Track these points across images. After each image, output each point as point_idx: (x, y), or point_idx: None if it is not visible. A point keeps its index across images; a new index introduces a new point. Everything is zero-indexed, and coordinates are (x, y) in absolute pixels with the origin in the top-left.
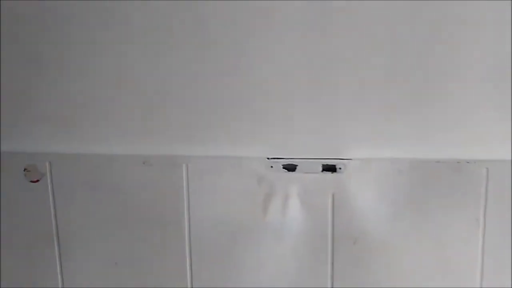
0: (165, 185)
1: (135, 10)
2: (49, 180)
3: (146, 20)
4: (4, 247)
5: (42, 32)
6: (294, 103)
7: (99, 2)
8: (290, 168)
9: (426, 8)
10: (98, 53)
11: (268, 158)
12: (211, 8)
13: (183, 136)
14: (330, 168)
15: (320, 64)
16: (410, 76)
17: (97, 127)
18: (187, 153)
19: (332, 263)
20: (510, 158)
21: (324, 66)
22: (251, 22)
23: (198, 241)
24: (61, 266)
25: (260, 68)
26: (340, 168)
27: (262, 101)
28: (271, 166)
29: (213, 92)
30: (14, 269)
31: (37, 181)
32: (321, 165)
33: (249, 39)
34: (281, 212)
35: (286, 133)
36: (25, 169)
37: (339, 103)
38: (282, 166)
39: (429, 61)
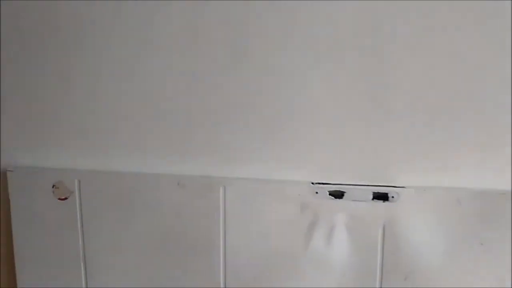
0: (200, 208)
1: (179, 27)
2: (77, 199)
3: (188, 37)
4: (29, 264)
5: (72, 45)
6: (342, 124)
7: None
8: (337, 195)
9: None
10: (131, 70)
11: (312, 183)
12: (254, 27)
13: (221, 157)
14: (381, 197)
15: (372, 85)
16: (468, 97)
17: (129, 144)
18: (225, 175)
19: None
20: None
21: (377, 86)
22: (301, 40)
23: (234, 270)
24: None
25: (307, 86)
26: (392, 197)
27: (308, 121)
28: (316, 192)
29: (255, 111)
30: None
31: (65, 199)
32: (372, 193)
33: (298, 58)
34: (326, 243)
35: (333, 156)
36: (53, 186)
37: (392, 125)
38: (328, 193)
39: (489, 82)
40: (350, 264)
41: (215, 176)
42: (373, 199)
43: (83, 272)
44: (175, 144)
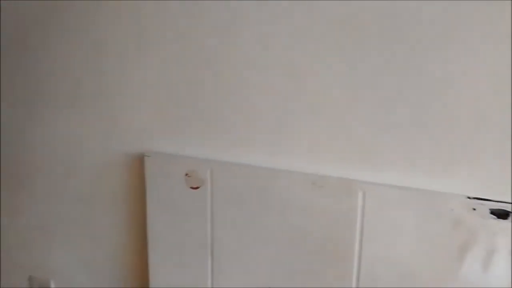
0: (336, 212)
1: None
2: (209, 189)
3: (344, 36)
4: (160, 246)
5: (220, 40)
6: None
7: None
8: (501, 214)
9: None
10: (271, 64)
11: (469, 198)
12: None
13: (362, 158)
14: None
15: None
16: None
17: (266, 138)
18: (366, 179)
19: None
20: None
21: None
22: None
23: (368, 281)
24: (212, 280)
25: (470, 87)
26: None
27: (467, 124)
28: (473, 209)
29: (404, 110)
30: (165, 273)
31: (197, 188)
32: None
33: (457, 56)
34: (482, 269)
35: (499, 167)
36: (186, 174)
37: None
38: (489, 211)
39: None
40: None
41: (355, 180)
42: None
43: (209, 264)
44: (313, 142)
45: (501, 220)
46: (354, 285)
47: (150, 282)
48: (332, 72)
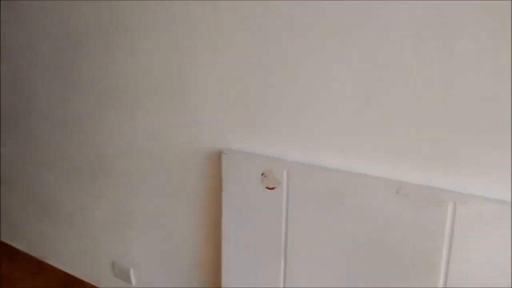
0: (421, 224)
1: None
2: (284, 190)
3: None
4: (230, 247)
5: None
6: None
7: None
8: None
9: None
10: (351, 65)
11: None
12: None
13: (454, 166)
14: None
15: None
16: None
17: (345, 140)
18: (457, 189)
19: None
20: None
21: None
22: None
23: None
24: (284, 281)
25: None
26: None
27: None
28: None
29: (506, 112)
30: (237, 272)
31: (273, 188)
32: None
33: None
34: None
35: None
36: (262, 174)
37: None
38: None
39: None
40: None
41: (444, 189)
42: None
43: (282, 263)
44: (398, 145)
45: None
46: None
47: (222, 281)
48: (419, 70)
